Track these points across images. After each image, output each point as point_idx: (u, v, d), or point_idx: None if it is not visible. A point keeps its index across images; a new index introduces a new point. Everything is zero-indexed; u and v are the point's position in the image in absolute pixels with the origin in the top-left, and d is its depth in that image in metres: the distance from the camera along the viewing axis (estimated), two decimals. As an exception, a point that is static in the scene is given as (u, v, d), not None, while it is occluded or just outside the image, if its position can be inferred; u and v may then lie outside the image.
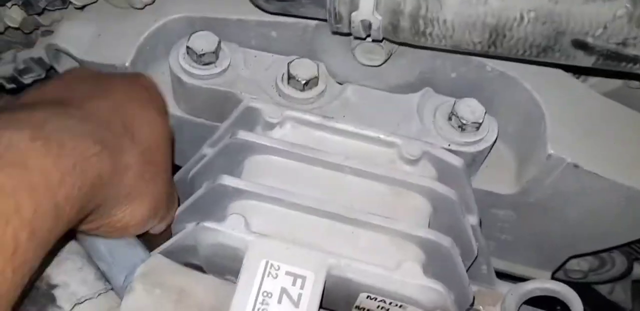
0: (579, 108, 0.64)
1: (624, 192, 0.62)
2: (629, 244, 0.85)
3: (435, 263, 0.52)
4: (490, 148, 0.63)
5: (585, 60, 0.54)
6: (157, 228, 0.54)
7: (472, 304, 0.61)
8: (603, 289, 1.09)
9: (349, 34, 0.60)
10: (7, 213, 0.34)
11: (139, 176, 0.47)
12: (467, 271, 0.63)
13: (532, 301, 0.74)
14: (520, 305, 0.70)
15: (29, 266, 0.36)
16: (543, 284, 0.70)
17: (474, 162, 0.63)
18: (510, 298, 0.70)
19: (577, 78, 0.73)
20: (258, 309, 0.43)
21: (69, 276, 0.47)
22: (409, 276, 0.47)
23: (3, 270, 0.34)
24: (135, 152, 0.47)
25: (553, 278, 0.83)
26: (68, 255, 0.50)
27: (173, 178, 0.56)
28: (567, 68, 0.66)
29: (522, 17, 0.52)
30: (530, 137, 0.64)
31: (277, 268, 0.45)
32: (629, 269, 0.94)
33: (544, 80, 0.64)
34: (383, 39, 0.59)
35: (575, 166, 0.61)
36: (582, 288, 1.05)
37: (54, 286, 0.44)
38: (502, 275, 0.76)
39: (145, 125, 0.50)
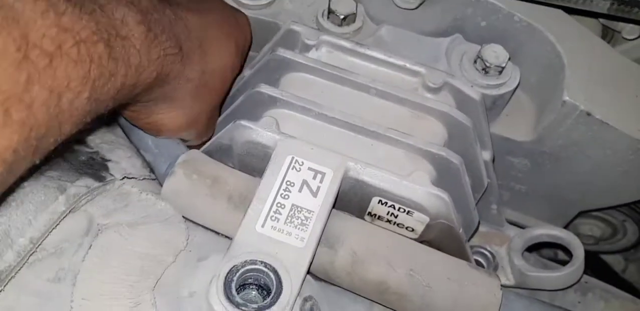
0: (599, 62, 0.67)
1: (633, 145, 0.66)
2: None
3: (445, 181, 0.57)
4: (511, 95, 0.67)
5: (600, 4, 0.58)
6: (190, 142, 0.60)
7: (476, 230, 0.66)
8: (617, 267, 1.12)
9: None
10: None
11: (192, 91, 0.53)
12: (476, 206, 0.68)
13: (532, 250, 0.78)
14: (525, 249, 0.75)
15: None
16: (550, 230, 0.74)
17: (495, 105, 0.68)
18: (516, 241, 0.74)
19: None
20: (281, 194, 0.49)
21: (120, 159, 0.53)
22: (417, 183, 0.52)
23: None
24: (199, 68, 0.53)
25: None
26: (119, 146, 0.56)
27: (220, 110, 0.62)
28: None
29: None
30: (549, 86, 0.68)
31: (301, 163, 0.51)
32: (640, 240, 0.97)
33: (569, 34, 0.67)
34: (420, -19, 0.64)
35: (588, 114, 0.64)
36: (596, 264, 1.08)
37: (107, 160, 0.50)
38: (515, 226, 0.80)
39: (218, 52, 0.55)
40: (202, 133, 0.60)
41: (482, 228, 0.75)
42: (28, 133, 0.34)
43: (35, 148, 0.35)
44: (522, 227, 0.82)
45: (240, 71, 0.63)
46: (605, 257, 1.10)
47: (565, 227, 0.85)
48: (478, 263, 0.73)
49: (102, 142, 0.53)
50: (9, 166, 0.34)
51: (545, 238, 0.74)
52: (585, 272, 1.07)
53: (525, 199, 0.80)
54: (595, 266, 1.09)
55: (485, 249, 0.73)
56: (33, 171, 0.43)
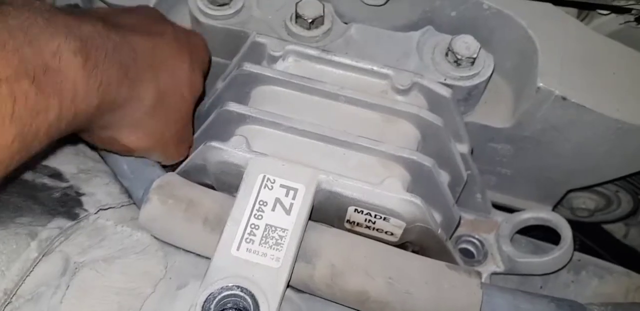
0: (572, 44, 0.67)
1: (612, 125, 0.66)
2: (633, 183, 0.89)
3: (420, 184, 0.57)
4: (486, 84, 0.67)
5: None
6: (164, 162, 0.60)
7: (459, 224, 0.66)
8: (618, 233, 1.13)
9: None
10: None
11: (149, 111, 0.53)
12: (459, 197, 0.69)
13: (526, 233, 0.79)
14: (514, 234, 0.76)
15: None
16: (537, 213, 0.75)
17: (471, 96, 0.68)
18: (504, 226, 0.75)
19: (582, 20, 0.76)
20: (254, 214, 0.50)
21: (96, 188, 0.54)
22: (389, 190, 0.53)
23: None
24: (152, 88, 0.52)
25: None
26: (97, 173, 0.57)
27: (191, 127, 0.62)
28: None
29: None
30: (524, 72, 0.68)
31: (272, 181, 0.52)
32: (636, 208, 0.97)
33: (539, 18, 0.67)
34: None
35: (564, 98, 0.64)
36: (596, 232, 1.09)
37: (81, 194, 0.51)
38: (505, 209, 0.81)
39: (171, 70, 0.55)
40: (173, 153, 0.60)
41: (469, 217, 0.76)
42: None
43: None
44: (512, 209, 0.83)
45: (204, 90, 0.62)
46: (605, 224, 1.10)
47: (558, 203, 0.86)
48: (468, 251, 0.74)
49: (78, 171, 0.54)
50: None
51: (533, 222, 0.74)
52: (585, 242, 1.08)
53: (513, 182, 0.80)
54: (595, 235, 1.10)
55: (474, 237, 0.74)
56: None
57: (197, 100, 0.60)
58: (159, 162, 0.59)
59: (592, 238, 1.10)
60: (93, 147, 0.59)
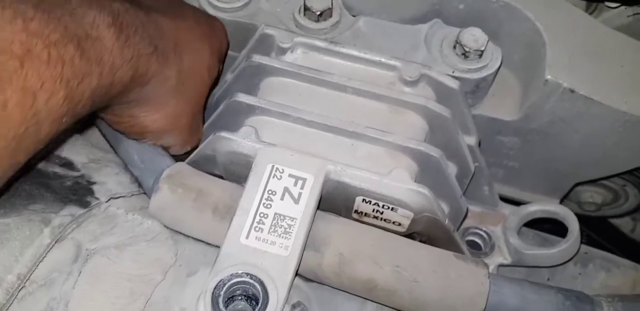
0: (580, 36, 0.67)
1: (620, 117, 0.66)
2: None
3: (427, 174, 0.58)
4: (494, 76, 0.67)
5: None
6: (176, 148, 0.60)
7: (466, 215, 0.67)
8: (625, 227, 1.13)
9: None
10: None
11: (171, 90, 0.54)
12: (467, 189, 0.69)
13: (532, 226, 0.79)
14: (521, 227, 0.76)
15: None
16: (544, 206, 0.75)
17: (479, 88, 0.68)
18: (512, 219, 0.75)
19: (590, 14, 0.76)
20: (263, 203, 0.50)
21: (107, 178, 0.54)
22: (397, 181, 0.53)
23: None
24: (175, 67, 0.54)
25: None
26: (107, 163, 0.57)
27: (203, 117, 0.63)
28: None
29: None
30: (532, 64, 0.68)
31: (281, 171, 0.52)
32: (643, 202, 0.97)
33: (547, 10, 0.67)
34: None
35: (572, 91, 0.64)
36: (604, 226, 1.09)
37: (92, 183, 0.52)
38: (512, 202, 0.81)
39: (193, 52, 0.56)
40: (186, 138, 0.61)
41: (476, 209, 0.76)
42: (5, 133, 0.37)
43: (14, 149, 0.38)
44: (519, 202, 0.83)
45: (219, 76, 0.63)
46: (612, 219, 1.10)
47: (565, 197, 0.86)
48: (475, 244, 0.74)
49: (89, 161, 0.55)
50: None
51: (540, 214, 0.75)
52: (592, 236, 1.08)
53: (520, 175, 0.80)
54: (602, 229, 1.10)
55: (481, 230, 0.74)
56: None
57: (212, 86, 0.61)
58: (168, 152, 0.60)
59: (600, 233, 1.10)
60: (103, 135, 0.60)
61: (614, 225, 1.12)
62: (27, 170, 0.50)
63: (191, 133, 0.61)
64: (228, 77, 0.67)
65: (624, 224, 1.12)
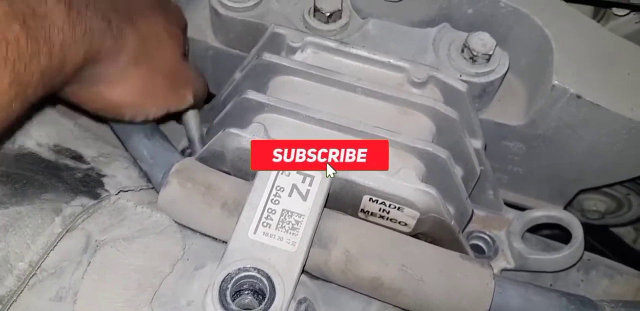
0: (587, 43, 0.67)
1: (626, 124, 0.66)
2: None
3: (434, 175, 0.58)
4: (501, 81, 0.68)
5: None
6: (152, 114, 0.57)
7: (471, 218, 0.67)
8: (627, 237, 1.13)
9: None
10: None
11: (132, 60, 0.52)
12: (471, 193, 0.69)
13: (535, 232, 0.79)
14: (524, 232, 0.76)
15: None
16: (549, 212, 0.75)
17: (485, 93, 0.68)
18: (516, 224, 0.75)
19: (597, 22, 0.76)
20: (271, 200, 0.51)
21: (116, 171, 0.55)
22: (404, 180, 0.53)
23: None
24: (132, 38, 0.52)
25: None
26: (116, 157, 0.58)
27: (185, 68, 0.60)
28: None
29: None
30: (539, 70, 0.68)
31: (289, 168, 0.52)
32: (646, 211, 0.97)
33: (555, 16, 0.67)
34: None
35: (578, 97, 0.65)
36: (606, 236, 1.09)
37: (102, 176, 0.52)
38: (515, 208, 0.81)
39: (148, 20, 0.55)
40: (169, 101, 0.58)
41: (481, 213, 0.76)
42: None
43: None
44: (523, 208, 0.83)
45: (184, 40, 0.61)
46: (615, 228, 1.10)
47: (569, 204, 0.86)
48: (478, 247, 0.74)
49: (99, 155, 0.55)
50: None
51: (544, 220, 0.75)
52: (594, 245, 1.08)
53: (524, 181, 0.80)
54: (604, 238, 1.10)
55: (485, 233, 0.74)
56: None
57: (183, 52, 0.59)
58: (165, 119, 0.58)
59: (602, 242, 1.10)
60: (112, 130, 0.60)
61: (617, 235, 1.12)
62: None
63: (171, 94, 0.58)
64: (237, 75, 0.67)
65: (627, 234, 1.13)
